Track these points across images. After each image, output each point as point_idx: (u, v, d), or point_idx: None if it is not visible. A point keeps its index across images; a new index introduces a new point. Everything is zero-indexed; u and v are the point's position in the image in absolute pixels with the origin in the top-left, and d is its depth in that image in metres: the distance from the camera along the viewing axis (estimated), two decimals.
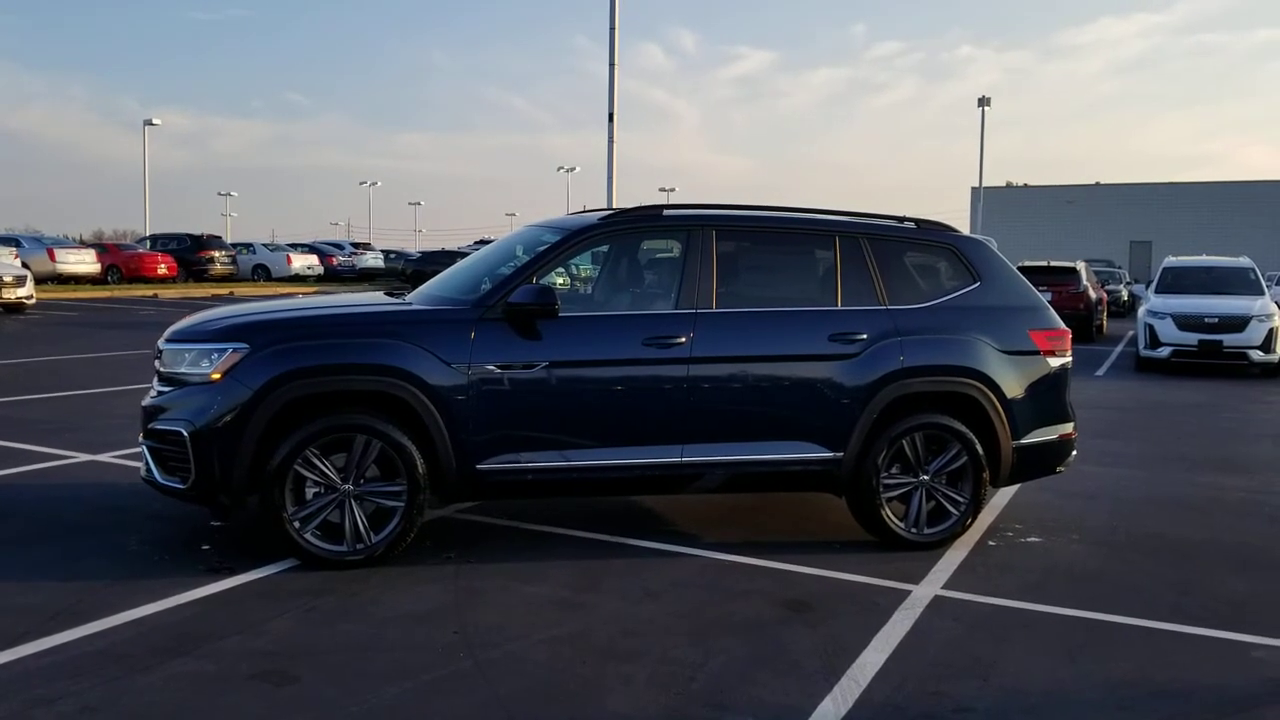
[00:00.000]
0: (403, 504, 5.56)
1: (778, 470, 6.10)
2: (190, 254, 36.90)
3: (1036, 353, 6.49)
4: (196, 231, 39.97)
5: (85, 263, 33.03)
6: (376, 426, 5.48)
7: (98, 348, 16.39)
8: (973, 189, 64.23)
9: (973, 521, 6.38)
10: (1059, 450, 6.64)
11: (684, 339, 5.87)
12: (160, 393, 5.66)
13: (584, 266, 8.82)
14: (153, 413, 5.61)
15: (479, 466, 5.65)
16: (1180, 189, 65.81)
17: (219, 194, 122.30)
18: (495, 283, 5.93)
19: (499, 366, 5.65)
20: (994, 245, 6.79)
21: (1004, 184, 71.43)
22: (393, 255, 49.18)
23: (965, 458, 6.25)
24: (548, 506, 6.76)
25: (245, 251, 41.52)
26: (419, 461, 5.53)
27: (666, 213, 6.25)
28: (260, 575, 5.40)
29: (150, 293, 31.51)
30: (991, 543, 6.49)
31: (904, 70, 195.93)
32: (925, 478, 6.25)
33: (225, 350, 5.46)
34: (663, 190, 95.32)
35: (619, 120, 26.58)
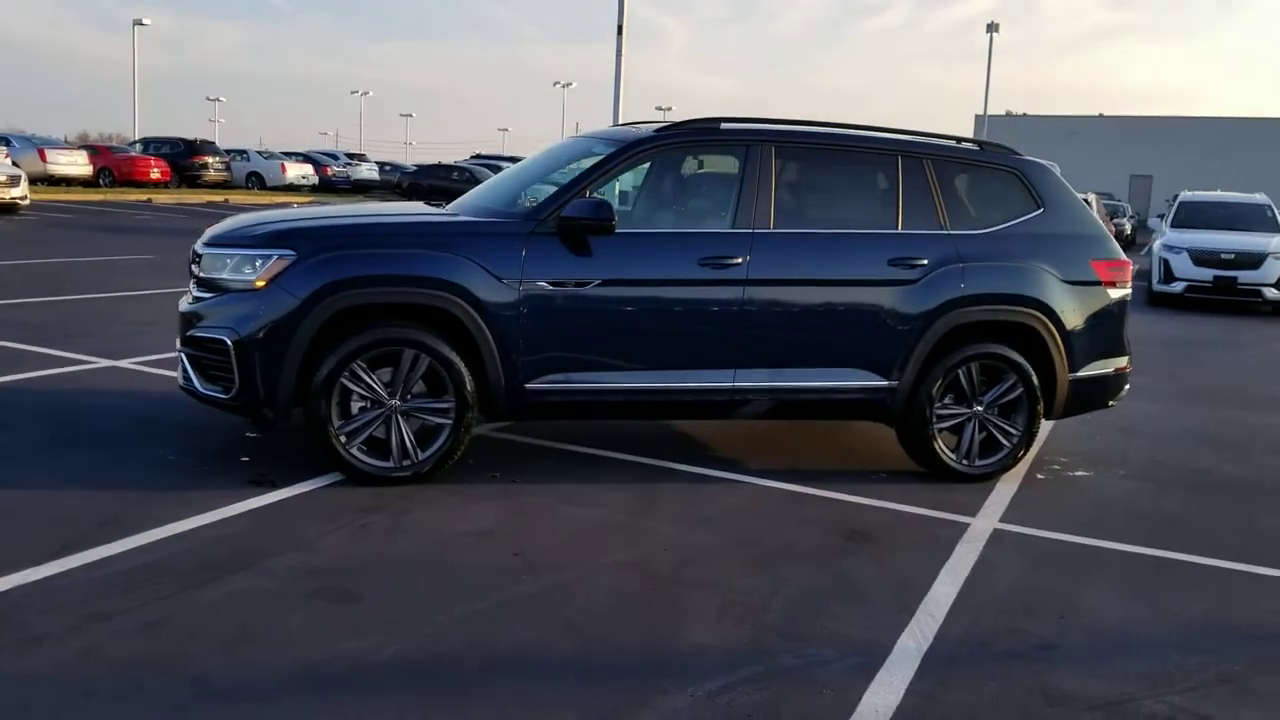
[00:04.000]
0: (450, 421, 5.38)
1: (829, 398, 5.93)
2: (183, 159, 36.19)
3: (1098, 283, 6.31)
4: (189, 136, 39.19)
5: (77, 164, 32.36)
6: (425, 341, 5.28)
7: (97, 251, 16.05)
8: (976, 117, 63.51)
9: (1025, 454, 6.25)
10: (1114, 384, 6.49)
11: (740, 260, 5.66)
12: (200, 299, 5.43)
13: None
14: (192, 319, 5.38)
15: (527, 385, 5.46)
16: (1184, 123, 65.22)
17: (208, 99, 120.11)
18: (545, 195, 5.69)
19: (551, 283, 5.43)
20: (1057, 171, 6.56)
21: (1004, 113, 70.63)
22: (387, 168, 48.41)
23: (1020, 389, 6.10)
24: (588, 428, 6.59)
25: (239, 158, 40.77)
26: (467, 379, 5.34)
27: (723, 126, 5.98)
28: (304, 490, 5.23)
29: (144, 197, 30.95)
30: (1040, 476, 6.37)
31: None
32: (979, 409, 6.10)
33: (270, 256, 5.23)
34: (659, 109, 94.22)
35: (609, 35, 25.93)
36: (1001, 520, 5.48)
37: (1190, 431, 7.80)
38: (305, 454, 5.68)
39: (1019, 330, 6.12)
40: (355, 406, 5.31)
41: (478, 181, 39.23)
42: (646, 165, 5.90)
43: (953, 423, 6.11)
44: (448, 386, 5.34)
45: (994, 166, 6.36)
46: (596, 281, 5.48)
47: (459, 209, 6.15)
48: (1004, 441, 6.15)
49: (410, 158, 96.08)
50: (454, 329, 5.34)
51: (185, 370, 5.46)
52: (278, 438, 6.05)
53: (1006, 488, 6.08)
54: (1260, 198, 19.71)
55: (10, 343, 8.32)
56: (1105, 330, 6.36)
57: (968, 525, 5.38)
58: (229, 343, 5.18)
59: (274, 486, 5.24)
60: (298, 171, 40.84)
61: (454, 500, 5.24)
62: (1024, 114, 73.55)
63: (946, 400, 6.06)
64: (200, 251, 5.48)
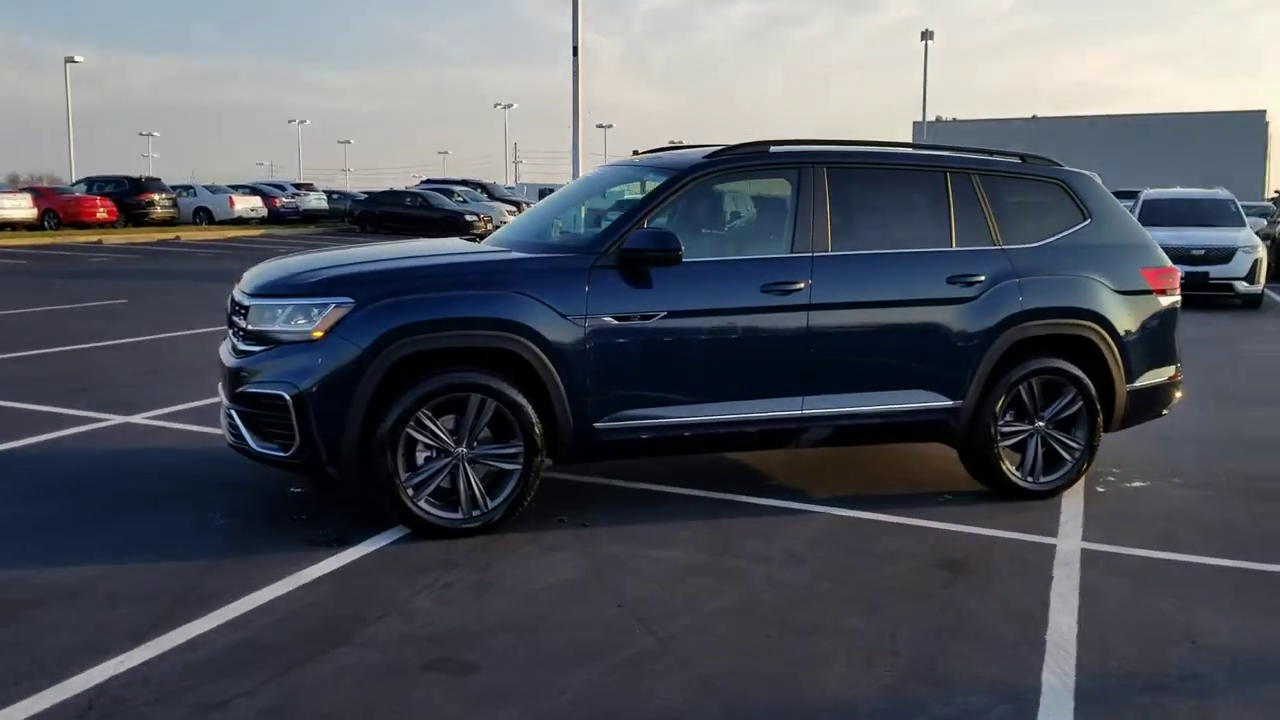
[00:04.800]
0: (519, 467, 5.17)
1: (895, 421, 5.81)
2: (129, 197, 35.35)
3: (1149, 292, 6.26)
4: (133, 174, 38.34)
5: (21, 208, 31.51)
6: (491, 385, 5.07)
7: (63, 298, 15.54)
8: (915, 123, 64.39)
9: (1087, 468, 6.17)
10: (1167, 393, 6.44)
11: (803, 284, 5.53)
12: (248, 352, 5.17)
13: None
14: (242, 374, 5.12)
15: (596, 425, 5.28)
16: (1117, 121, 66.59)
17: (140, 134, 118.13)
18: (581, 224, 5.52)
19: (616, 318, 5.26)
20: (1099, 180, 6.51)
21: (934, 118, 71.50)
22: (335, 196, 47.85)
23: (1080, 403, 6.02)
24: (640, 463, 6.40)
25: (186, 194, 39.97)
26: (535, 421, 5.14)
27: (773, 150, 5.85)
28: (372, 548, 4.99)
29: (94, 238, 30.19)
30: (1100, 489, 6.30)
31: (821, 1, 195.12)
32: (1040, 424, 6.01)
33: (327, 305, 5.00)
34: (600, 127, 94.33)
35: (544, 56, 25.78)
36: (1084, 540, 5.38)
37: (1225, 434, 7.79)
38: (360, 508, 5.47)
39: (1077, 343, 6.04)
40: (420, 457, 5.10)
41: (431, 207, 39.23)
42: (699, 192, 5.73)
43: (1015, 440, 6.02)
44: (515, 430, 5.14)
45: (1038, 178, 6.30)
46: (662, 314, 5.32)
47: (503, 244, 5.95)
48: (1066, 456, 6.06)
49: (350, 184, 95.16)
50: (519, 370, 5.14)
51: (236, 428, 5.19)
52: (322, 491, 5.80)
53: (1073, 503, 5.99)
54: (1223, 193, 20.02)
55: (7, 402, 7.96)
56: (1158, 339, 6.31)
57: (1054, 546, 5.27)
58: (287, 398, 4.93)
59: (340, 545, 5.00)
60: (246, 204, 40.17)
61: (530, 550, 5.04)
62: (953, 119, 74.50)
63: (1008, 417, 5.97)
64: (247, 303, 5.22)
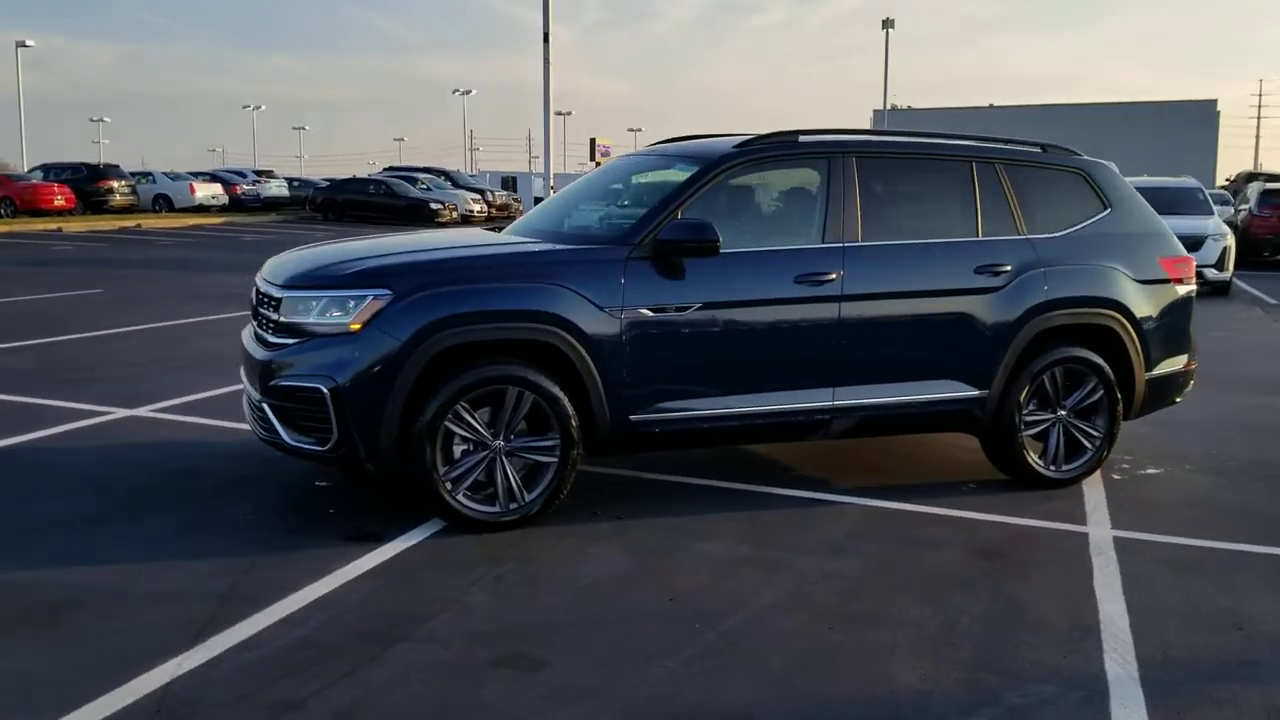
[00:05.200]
0: (556, 460, 5.12)
1: (922, 411, 5.82)
2: (88, 184, 34.67)
3: (1167, 281, 6.32)
4: (90, 160, 37.68)
5: None
6: (529, 378, 5.01)
7: (36, 288, 15.20)
8: (875, 111, 64.76)
9: (1107, 456, 6.22)
10: (1182, 381, 6.51)
11: (834, 275, 5.51)
12: (280, 345, 5.07)
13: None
14: (275, 368, 5.02)
15: (631, 417, 5.24)
16: (1072, 110, 67.26)
17: (91, 120, 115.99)
18: (637, 218, 5.46)
19: (652, 309, 5.21)
20: (1116, 169, 6.55)
21: (889, 107, 71.85)
22: (296, 183, 47.27)
23: (1101, 392, 6.06)
24: (664, 455, 6.37)
25: (145, 181, 39.27)
26: (572, 414, 5.09)
27: (802, 139, 5.83)
28: (411, 542, 4.93)
29: (54, 226, 29.57)
30: (1115, 477, 6.35)
31: None
32: (1062, 413, 6.05)
33: (364, 297, 4.91)
34: (559, 114, 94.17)
35: (499, 42, 25.58)
36: (1114, 528, 5.41)
37: (1225, 419, 7.88)
38: (389, 502, 5.41)
39: (1099, 332, 6.08)
40: (457, 450, 5.03)
41: (395, 194, 38.85)
42: (731, 182, 5.68)
43: (1038, 429, 6.05)
44: (552, 423, 5.09)
45: (1060, 168, 6.32)
46: (697, 305, 5.28)
47: (530, 235, 5.88)
48: (1087, 445, 6.11)
49: (304, 171, 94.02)
50: (556, 363, 5.09)
51: (268, 422, 5.09)
52: (344, 483, 5.72)
53: (1093, 491, 6.04)
54: (1190, 181, 20.30)
55: (3, 395, 7.77)
56: (1175, 328, 6.38)
57: (1086, 535, 5.31)
58: (325, 391, 4.84)
59: (378, 539, 4.93)
60: (207, 191, 39.56)
61: (570, 543, 4.99)
62: (908, 107, 74.83)
63: (1031, 406, 6.00)
64: (279, 295, 5.12)
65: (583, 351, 5.08)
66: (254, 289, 5.57)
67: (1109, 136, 61.59)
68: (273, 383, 5.01)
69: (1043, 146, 6.43)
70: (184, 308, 12.94)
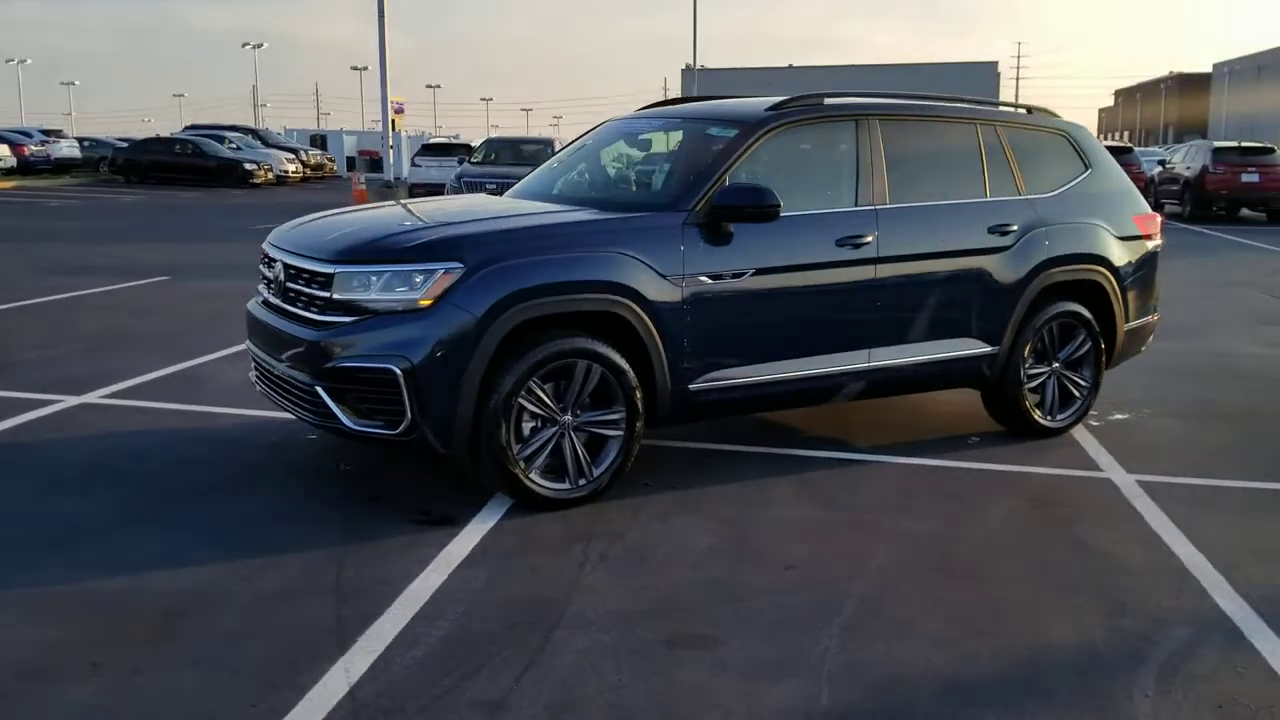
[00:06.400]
0: (621, 433, 5.03)
1: (941, 368, 5.99)
2: None
3: (1140, 237, 6.68)
4: None
5: None
6: (598, 350, 4.89)
7: None
8: (686, 68, 65.56)
9: (1093, 403, 6.56)
10: (1148, 332, 6.92)
11: (870, 238, 5.59)
12: (334, 324, 4.75)
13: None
14: (331, 348, 4.71)
15: (690, 387, 5.19)
16: (866, 71, 69.74)
17: None
18: (685, 183, 5.37)
19: (710, 276, 5.16)
20: (1090, 131, 6.86)
21: (684, 67, 72.66)
22: (88, 143, 44.01)
23: (1089, 344, 6.39)
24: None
25: None
26: (636, 386, 5.01)
27: (828, 102, 5.86)
28: (487, 524, 4.75)
29: None
30: (1094, 424, 6.71)
31: None
32: (1056, 365, 6.35)
33: (434, 271, 4.66)
34: (355, 69, 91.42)
35: None
36: (1130, 472, 5.73)
37: (1157, 366, 8.37)
38: (426, 482, 5.19)
39: (1088, 288, 6.39)
40: (526, 428, 4.87)
41: (204, 154, 36.91)
42: (772, 144, 5.64)
43: (1036, 382, 6.33)
44: (618, 395, 4.98)
45: (1047, 130, 6.58)
46: (751, 271, 5.26)
47: (548, 198, 5.72)
48: (1076, 394, 6.44)
49: (76, 130, 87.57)
50: (622, 333, 4.98)
51: (323, 406, 4.76)
52: (377, 467, 5.47)
53: (1084, 438, 6.37)
54: None
55: None
56: (1148, 281, 6.76)
57: (1110, 480, 5.61)
58: (398, 371, 4.58)
59: (453, 524, 4.73)
60: None
61: (645, 516, 4.92)
62: (701, 67, 75.98)
63: (1030, 360, 6.26)
64: (329, 270, 4.79)
65: (648, 322, 4.98)
66: (269, 261, 5.23)
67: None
68: (330, 364, 4.70)
69: (1029, 109, 6.67)
70: (44, 283, 11.93)
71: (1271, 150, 24.80)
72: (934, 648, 3.71)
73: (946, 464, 5.81)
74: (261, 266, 5.50)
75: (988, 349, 6.04)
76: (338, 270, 4.76)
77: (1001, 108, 6.49)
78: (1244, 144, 26.01)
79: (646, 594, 4.08)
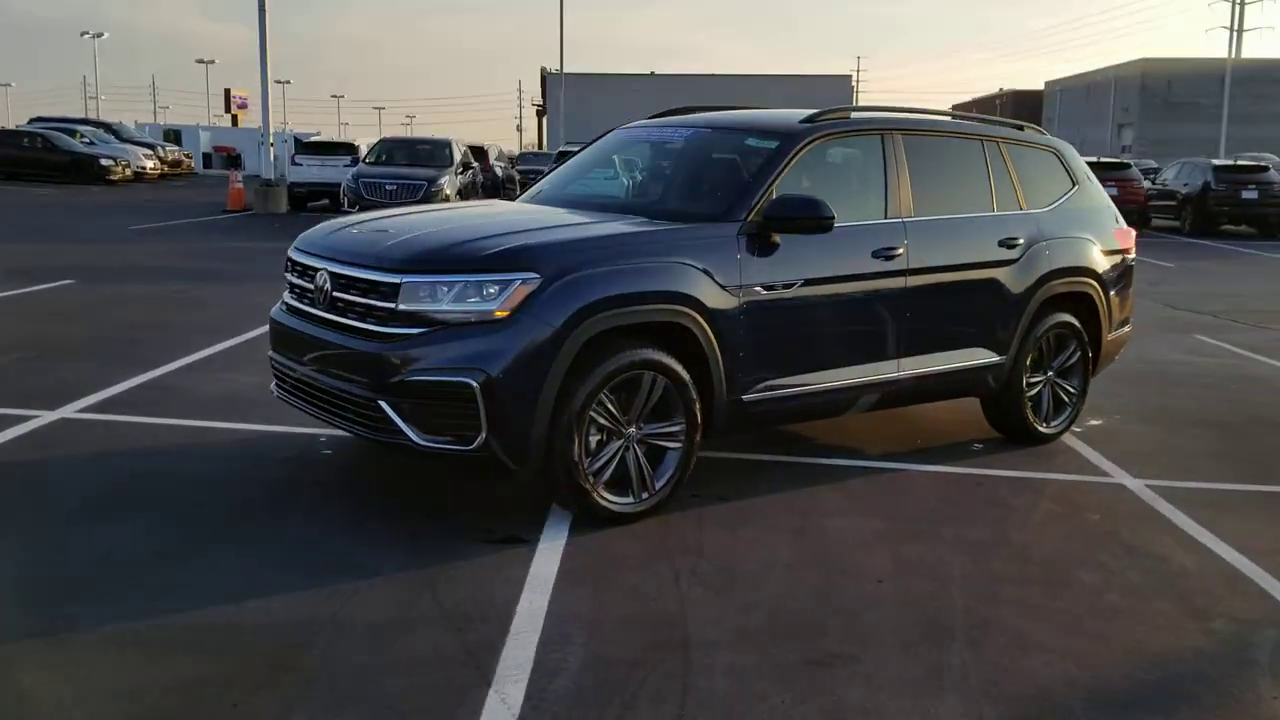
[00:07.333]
0: (681, 445, 4.98)
1: (957, 378, 6.13)
2: None
3: (1120, 250, 6.98)
4: None
5: None
6: (664, 362, 4.84)
7: None
8: (550, 75, 65.37)
9: (1081, 409, 6.82)
10: (1124, 342, 7.24)
11: (901, 249, 5.69)
12: (401, 336, 4.56)
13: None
14: (398, 362, 4.52)
15: (744, 398, 5.18)
16: (726, 82, 70.78)
17: None
18: (732, 193, 5.37)
19: (764, 287, 5.16)
20: (1074, 149, 7.13)
21: (542, 70, 72.47)
22: None
23: (1079, 353, 6.65)
24: None
25: None
26: (695, 397, 4.97)
27: (854, 115, 5.93)
28: (558, 541, 4.64)
29: None
30: (1076, 430, 6.97)
31: None
32: (1050, 374, 6.58)
33: (512, 281, 4.52)
34: (200, 62, 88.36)
35: None
36: (1137, 477, 5.97)
37: (1108, 373, 8.65)
38: (472, 499, 5.05)
39: (1080, 299, 6.64)
40: (593, 441, 4.77)
41: (56, 149, 35.00)
42: (809, 157, 5.66)
43: (1035, 390, 6.54)
44: (678, 407, 4.94)
45: (1040, 147, 6.81)
46: (800, 282, 5.29)
47: (574, 206, 5.66)
48: (1067, 401, 6.68)
49: None
50: (685, 344, 4.94)
51: (388, 422, 4.56)
52: (405, 484, 5.28)
53: (1076, 444, 6.62)
54: None
55: None
56: (1126, 293, 7.07)
57: (1125, 486, 5.84)
58: (475, 385, 4.42)
59: (524, 542, 4.60)
60: None
61: (713, 529, 4.89)
62: (556, 70, 76.03)
63: (1029, 369, 6.47)
64: (392, 280, 4.59)
65: (710, 332, 4.96)
66: (304, 270, 5.03)
67: (762, 106, 65.63)
68: (398, 378, 4.51)
69: (1021, 126, 6.89)
70: None
71: (1266, 168, 26.08)
72: (1061, 658, 3.78)
73: (966, 471, 5.94)
74: (290, 275, 5.25)
75: (996, 358, 6.21)
76: (405, 280, 4.57)
77: (1003, 126, 6.68)
78: (1241, 162, 27.19)
79: (757, 610, 4.05)
